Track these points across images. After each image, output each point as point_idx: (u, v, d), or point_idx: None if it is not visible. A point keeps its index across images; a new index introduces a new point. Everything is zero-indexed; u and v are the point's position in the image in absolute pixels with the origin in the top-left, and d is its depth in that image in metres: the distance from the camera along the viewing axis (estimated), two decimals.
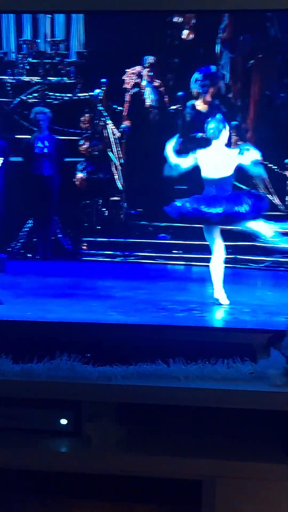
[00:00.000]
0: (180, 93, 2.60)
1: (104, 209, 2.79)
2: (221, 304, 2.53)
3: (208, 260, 2.60)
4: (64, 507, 2.20)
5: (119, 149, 2.76)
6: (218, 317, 2.54)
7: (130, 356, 2.18)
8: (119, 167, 2.76)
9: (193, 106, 2.60)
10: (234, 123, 2.56)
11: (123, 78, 2.65)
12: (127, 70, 2.63)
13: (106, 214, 2.79)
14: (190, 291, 2.69)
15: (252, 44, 2.51)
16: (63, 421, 2.18)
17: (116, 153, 2.76)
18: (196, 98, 2.58)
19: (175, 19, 2.49)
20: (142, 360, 2.17)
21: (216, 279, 2.56)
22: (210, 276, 2.59)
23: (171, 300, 2.58)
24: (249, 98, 2.57)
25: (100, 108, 2.71)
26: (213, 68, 2.56)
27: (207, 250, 2.59)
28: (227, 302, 2.53)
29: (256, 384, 2.09)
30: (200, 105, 2.59)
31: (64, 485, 2.23)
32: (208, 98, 2.58)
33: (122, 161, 2.77)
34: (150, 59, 2.62)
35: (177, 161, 2.49)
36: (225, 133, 2.50)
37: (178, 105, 2.63)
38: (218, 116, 2.47)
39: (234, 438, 2.21)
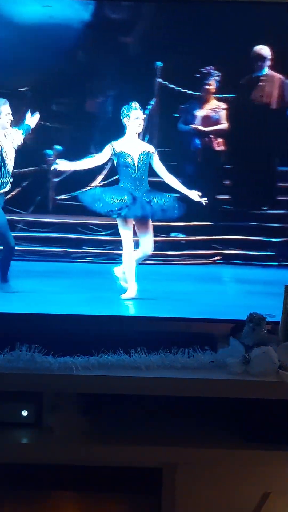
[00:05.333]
0: None
1: None
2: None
3: None
4: (26, 498, 2.19)
5: None
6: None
7: (92, 347, 2.19)
8: None
9: None
10: None
11: None
12: None
13: None
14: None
15: None
16: (24, 413, 2.17)
17: None
18: None
19: None
20: (104, 351, 2.17)
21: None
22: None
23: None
24: None
25: None
26: None
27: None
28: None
29: (216, 373, 2.13)
30: None
31: (27, 476, 2.21)
32: None
33: None
34: None
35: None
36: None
37: None
38: None
39: (194, 425, 2.24)
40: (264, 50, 2.48)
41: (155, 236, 2.61)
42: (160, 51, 2.36)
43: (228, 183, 2.58)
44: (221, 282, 2.64)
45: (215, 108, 2.55)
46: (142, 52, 2.35)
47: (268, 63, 2.49)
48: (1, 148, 2.49)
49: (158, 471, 2.14)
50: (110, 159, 2.56)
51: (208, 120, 2.54)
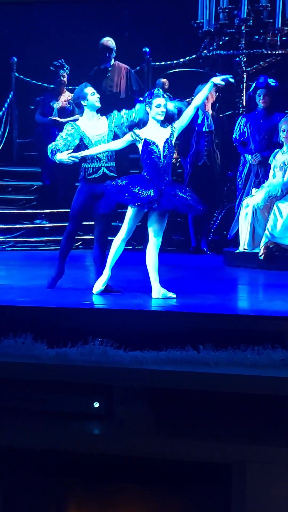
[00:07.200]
0: None
1: None
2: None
3: None
4: (94, 489, 2.25)
5: None
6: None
7: (161, 342, 2.21)
8: None
9: None
10: None
11: None
12: None
13: None
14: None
15: None
16: (96, 405, 2.23)
17: None
18: None
19: None
20: (172, 346, 2.20)
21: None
22: None
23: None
24: None
25: None
26: None
27: None
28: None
29: (286, 371, 2.09)
30: None
31: (96, 467, 2.27)
32: None
33: None
34: None
35: None
36: None
37: None
38: None
39: (263, 423, 2.21)
40: (110, 42, 2.70)
41: (19, 223, 2.79)
42: (14, 46, 2.54)
43: None
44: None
45: (69, 100, 2.73)
46: None
47: (114, 54, 2.70)
48: (83, 134, 2.58)
49: (228, 467, 2.13)
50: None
51: (63, 111, 2.73)
